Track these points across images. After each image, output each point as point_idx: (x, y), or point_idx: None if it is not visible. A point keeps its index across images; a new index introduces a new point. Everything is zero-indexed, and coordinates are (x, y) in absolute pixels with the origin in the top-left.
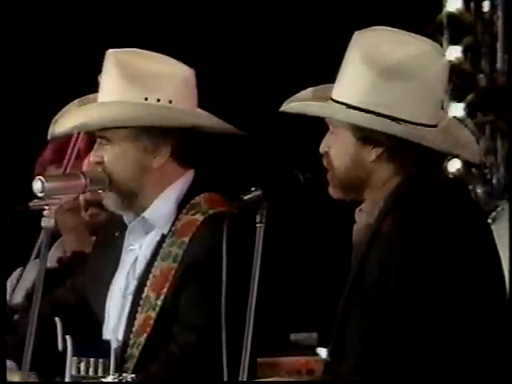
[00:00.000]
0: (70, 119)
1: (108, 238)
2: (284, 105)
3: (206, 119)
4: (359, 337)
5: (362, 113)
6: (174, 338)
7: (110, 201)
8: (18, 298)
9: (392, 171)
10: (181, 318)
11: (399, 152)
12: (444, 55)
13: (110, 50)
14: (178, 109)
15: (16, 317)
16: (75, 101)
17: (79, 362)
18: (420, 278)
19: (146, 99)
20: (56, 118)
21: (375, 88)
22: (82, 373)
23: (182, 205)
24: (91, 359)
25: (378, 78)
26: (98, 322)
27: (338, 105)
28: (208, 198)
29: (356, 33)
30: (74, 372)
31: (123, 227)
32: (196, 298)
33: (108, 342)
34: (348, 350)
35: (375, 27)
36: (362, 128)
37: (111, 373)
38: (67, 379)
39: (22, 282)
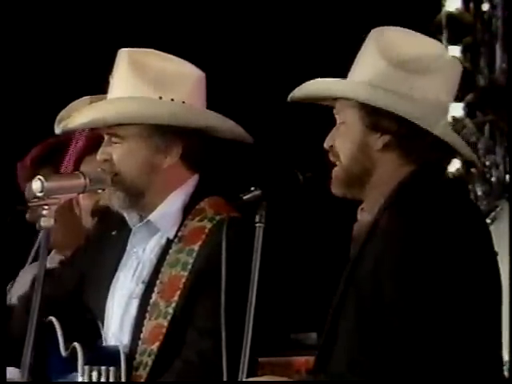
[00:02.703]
0: (83, 114)
1: (104, 236)
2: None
3: (221, 121)
4: (352, 329)
5: (380, 89)
6: (188, 344)
7: (115, 199)
8: (13, 300)
9: (397, 163)
10: (196, 325)
11: (407, 141)
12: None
13: (123, 49)
14: (195, 109)
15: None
16: (84, 97)
17: (91, 371)
18: (415, 273)
19: (161, 98)
20: (62, 113)
21: (389, 76)
22: (95, 380)
23: (188, 209)
24: (102, 368)
25: (393, 68)
26: (93, 321)
27: (351, 82)
28: (212, 203)
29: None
30: (86, 380)
31: (122, 227)
32: (213, 305)
33: (116, 349)
34: (340, 341)
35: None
36: (373, 113)
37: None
38: None
39: (18, 286)
